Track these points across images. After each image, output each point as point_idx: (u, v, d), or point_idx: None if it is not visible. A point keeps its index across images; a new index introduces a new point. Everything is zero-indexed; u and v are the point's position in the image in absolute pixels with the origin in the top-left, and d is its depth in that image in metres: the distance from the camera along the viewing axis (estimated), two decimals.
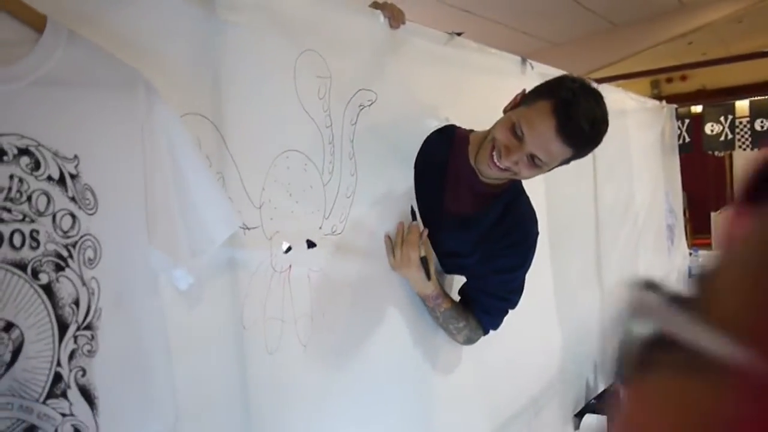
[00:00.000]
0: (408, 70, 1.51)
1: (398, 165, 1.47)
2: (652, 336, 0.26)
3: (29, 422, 0.74)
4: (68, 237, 0.79)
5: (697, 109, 4.10)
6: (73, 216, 0.79)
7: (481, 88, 1.78)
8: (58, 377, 0.77)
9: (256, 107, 1.11)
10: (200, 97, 1.01)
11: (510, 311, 1.55)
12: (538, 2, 4.33)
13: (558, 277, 2.20)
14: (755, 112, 3.80)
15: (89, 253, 0.81)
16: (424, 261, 1.38)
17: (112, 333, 0.83)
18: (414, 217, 1.45)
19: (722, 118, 3.88)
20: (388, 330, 1.43)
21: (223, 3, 1.02)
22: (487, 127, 1.42)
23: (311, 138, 1.23)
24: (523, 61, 2.05)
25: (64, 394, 0.77)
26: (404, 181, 1.48)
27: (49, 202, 0.77)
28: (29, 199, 0.76)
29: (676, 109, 3.98)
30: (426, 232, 1.40)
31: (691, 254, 4.04)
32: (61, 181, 0.79)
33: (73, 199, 0.79)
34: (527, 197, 1.53)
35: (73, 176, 0.79)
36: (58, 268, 0.78)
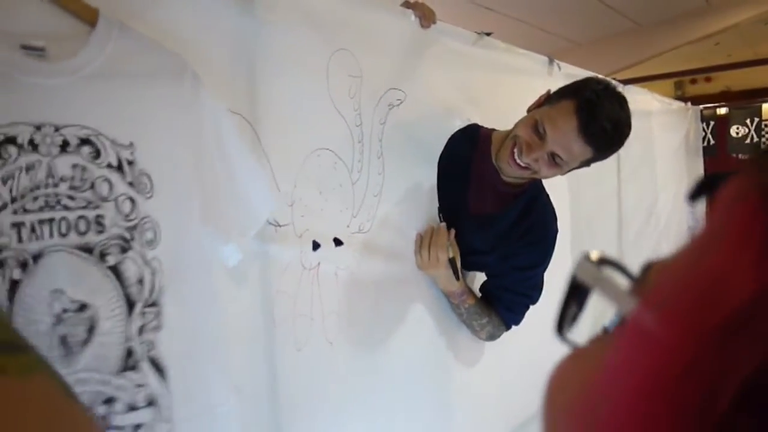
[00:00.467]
0: (436, 69, 1.52)
1: (425, 164, 1.48)
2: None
3: (107, 394, 0.80)
4: (129, 220, 0.84)
5: (722, 111, 4.05)
6: (132, 200, 0.84)
7: (507, 88, 1.78)
8: (129, 351, 0.83)
9: (290, 105, 1.12)
10: (237, 94, 1.02)
11: (531, 308, 1.56)
12: (563, 1, 4.29)
13: None
14: None
15: (149, 235, 0.85)
16: (452, 261, 1.40)
17: (174, 309, 0.87)
18: (441, 219, 1.46)
19: (748, 121, 3.84)
20: (410, 328, 1.44)
21: (262, 3, 1.03)
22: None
23: (341, 136, 1.24)
24: (551, 61, 2.04)
25: (136, 367, 0.83)
26: (430, 180, 1.49)
27: (110, 188, 0.82)
28: (92, 186, 0.80)
29: (701, 111, 3.94)
30: (453, 233, 1.41)
31: None
32: (120, 168, 0.83)
33: (131, 184, 0.84)
34: (547, 195, 1.54)
35: (130, 162, 0.84)
36: (123, 250, 0.83)
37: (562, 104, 1.29)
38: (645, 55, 5.01)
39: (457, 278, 1.42)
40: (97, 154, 0.81)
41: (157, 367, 0.85)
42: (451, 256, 1.40)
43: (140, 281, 0.84)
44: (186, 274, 0.89)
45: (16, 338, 0.31)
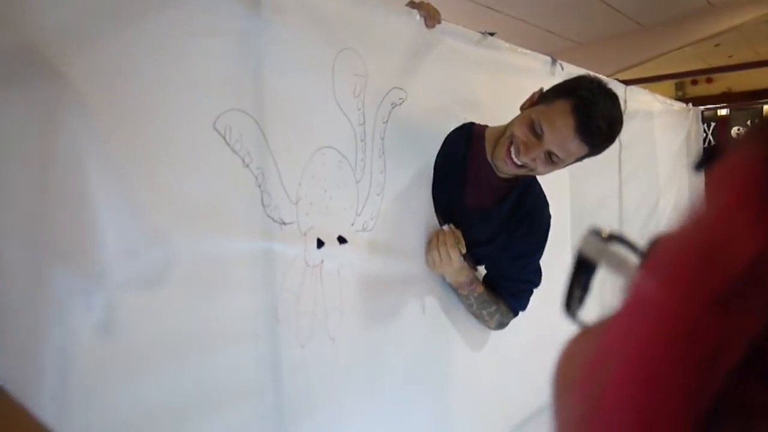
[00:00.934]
0: (440, 68, 1.52)
1: (425, 163, 1.49)
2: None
3: None
4: None
5: (723, 112, 4.06)
6: None
7: (510, 87, 1.78)
8: None
9: (296, 104, 1.12)
10: (243, 93, 1.03)
11: (525, 313, 1.61)
12: (565, 1, 4.30)
13: None
14: None
15: None
16: (463, 256, 1.44)
17: None
18: (438, 218, 1.47)
19: (749, 122, 3.84)
20: (413, 326, 1.45)
21: (269, 3, 1.04)
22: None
23: (346, 135, 1.24)
24: (554, 61, 2.04)
25: None
26: (431, 178, 1.50)
27: None
28: None
29: (702, 112, 3.94)
30: (460, 232, 1.43)
31: None
32: None
33: None
34: (539, 184, 1.58)
35: None
36: None
37: (558, 104, 1.32)
38: (647, 56, 5.01)
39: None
40: None
41: None
42: (463, 252, 1.43)
43: None
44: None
45: None
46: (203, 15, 0.96)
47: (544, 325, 1.98)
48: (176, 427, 0.93)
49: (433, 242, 1.43)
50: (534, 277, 1.59)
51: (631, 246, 0.33)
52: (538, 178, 1.57)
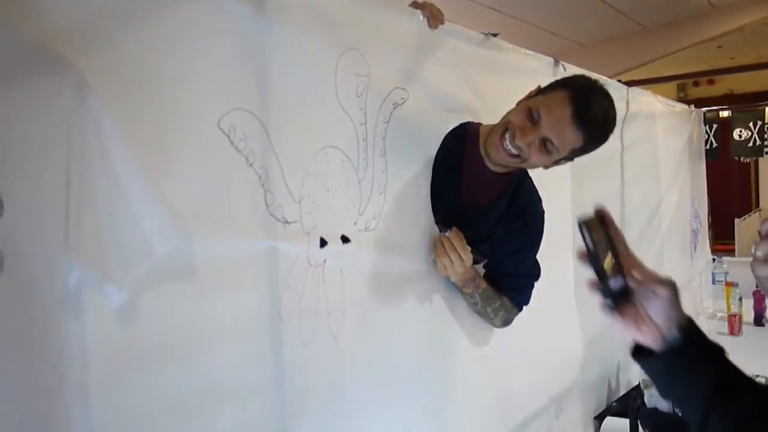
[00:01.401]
0: (442, 69, 1.53)
1: (426, 163, 1.49)
2: None
3: None
4: None
5: (725, 114, 4.05)
6: None
7: (513, 88, 1.78)
8: None
9: (299, 104, 1.13)
10: (247, 93, 1.03)
11: (526, 310, 1.63)
12: (567, 2, 4.30)
13: (581, 275, 2.19)
14: None
15: None
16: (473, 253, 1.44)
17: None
18: (436, 220, 1.46)
19: (751, 124, 3.84)
20: (415, 325, 1.45)
21: (273, 2, 1.05)
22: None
23: (348, 135, 1.25)
24: (556, 62, 2.05)
25: None
26: (431, 179, 1.50)
27: None
28: None
29: (704, 113, 3.94)
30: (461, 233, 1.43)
31: (714, 260, 4.00)
32: None
33: None
34: (531, 180, 1.60)
35: None
36: None
37: (556, 93, 1.37)
38: (649, 57, 5.02)
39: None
40: None
41: None
42: (469, 250, 1.43)
43: None
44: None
45: None
46: (208, 15, 0.96)
47: (549, 322, 1.99)
48: (177, 424, 0.93)
49: (440, 249, 1.43)
50: (533, 270, 1.61)
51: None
52: (536, 177, 1.58)
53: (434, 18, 1.42)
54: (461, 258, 1.41)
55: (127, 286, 0.85)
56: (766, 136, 3.80)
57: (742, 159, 4.10)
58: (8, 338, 0.76)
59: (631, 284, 0.83)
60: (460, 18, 1.78)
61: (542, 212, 1.61)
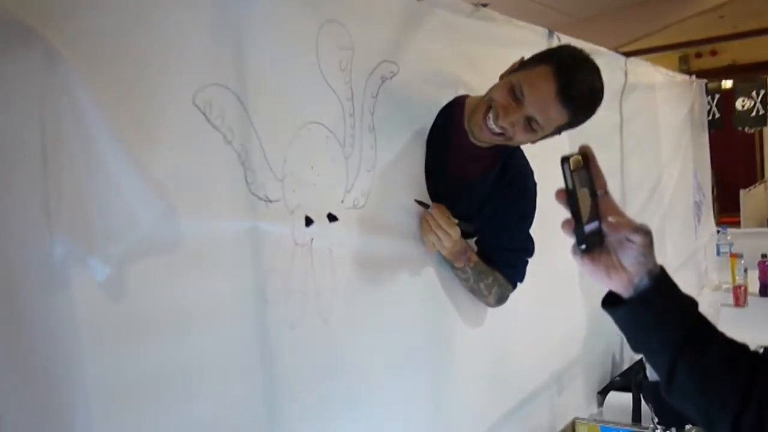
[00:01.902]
0: (431, 42, 1.49)
1: (418, 138, 1.46)
2: None
3: None
4: None
5: (728, 84, 4.00)
6: None
7: (505, 61, 1.74)
8: None
9: (279, 78, 1.09)
10: (223, 67, 0.99)
11: (538, 267, 1.60)
12: None
13: None
14: None
15: None
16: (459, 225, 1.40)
17: None
18: (425, 206, 1.41)
19: (754, 93, 3.78)
20: (408, 304, 1.42)
21: None
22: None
23: (333, 110, 1.21)
24: (550, 33, 2.00)
25: None
26: (423, 155, 1.47)
27: None
28: None
29: (706, 83, 3.88)
30: (444, 206, 1.40)
31: (719, 232, 3.97)
32: None
33: None
34: (521, 152, 1.56)
35: None
36: None
37: (540, 68, 1.31)
38: (649, 29, 4.94)
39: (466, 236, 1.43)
40: None
41: None
42: (456, 223, 1.39)
43: None
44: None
45: None
46: None
47: (551, 297, 1.97)
48: (159, 403, 0.91)
49: (425, 226, 1.40)
50: (527, 245, 1.58)
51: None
52: (531, 150, 1.54)
53: None
54: (448, 233, 1.38)
55: (112, 259, 0.83)
56: None
57: (745, 129, 4.05)
58: None
59: (606, 229, 0.81)
60: None
61: (534, 185, 1.57)
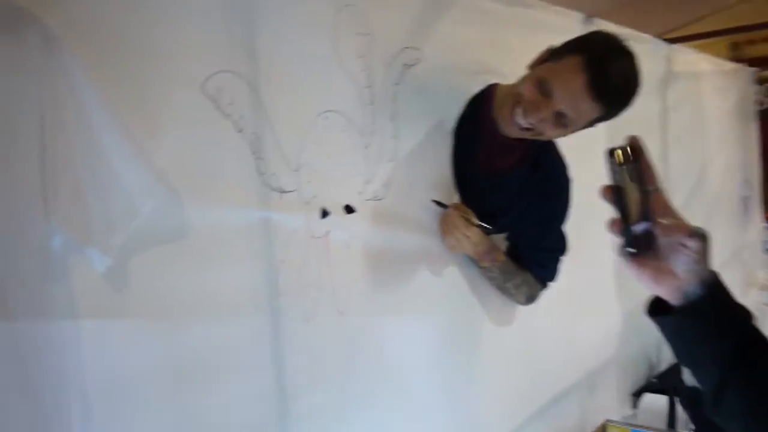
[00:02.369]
0: (458, 26, 1.43)
1: (443, 129, 1.40)
2: None
3: None
4: None
5: None
6: None
7: (538, 47, 1.68)
8: None
9: (294, 65, 1.06)
10: (234, 54, 0.96)
11: (564, 262, 1.52)
12: None
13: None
14: None
15: None
16: (479, 227, 1.33)
17: None
18: (443, 206, 1.35)
19: None
20: (430, 301, 1.38)
21: None
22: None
23: (351, 98, 1.17)
24: (587, 19, 1.91)
25: None
26: (448, 146, 1.41)
27: None
28: None
29: (757, 72, 3.71)
30: (464, 206, 1.34)
31: (767, 228, 3.80)
32: None
33: None
34: (555, 144, 1.46)
35: None
36: None
37: (569, 60, 1.21)
38: (696, 14, 4.71)
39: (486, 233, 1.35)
40: None
41: None
42: (476, 223, 1.33)
43: None
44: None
45: None
46: None
47: (586, 295, 1.89)
48: (167, 395, 0.89)
49: (443, 228, 1.34)
50: (560, 244, 1.49)
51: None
52: (566, 140, 1.46)
53: None
54: (466, 235, 1.31)
55: (113, 250, 0.82)
56: None
57: None
58: None
59: (657, 231, 0.72)
60: None
61: (568, 180, 1.48)
